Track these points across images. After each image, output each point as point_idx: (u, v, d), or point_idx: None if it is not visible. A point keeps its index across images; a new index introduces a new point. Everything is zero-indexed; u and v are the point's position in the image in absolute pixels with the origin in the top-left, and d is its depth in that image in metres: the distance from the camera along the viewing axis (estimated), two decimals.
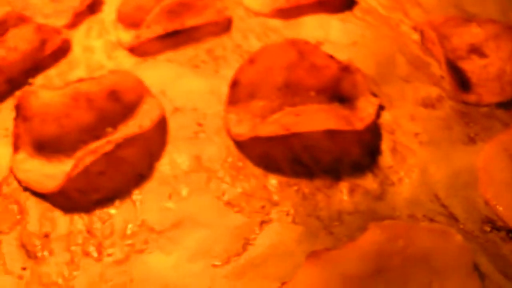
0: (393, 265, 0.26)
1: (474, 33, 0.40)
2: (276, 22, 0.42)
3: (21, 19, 0.41)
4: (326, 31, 0.41)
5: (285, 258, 0.27)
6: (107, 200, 0.30)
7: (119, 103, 0.34)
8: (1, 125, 0.35)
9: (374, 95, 0.34)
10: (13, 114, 0.33)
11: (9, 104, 0.37)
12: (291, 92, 0.34)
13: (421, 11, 0.44)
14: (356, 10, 0.44)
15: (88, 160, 0.30)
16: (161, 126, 0.33)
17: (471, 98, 0.35)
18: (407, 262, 0.26)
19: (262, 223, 0.28)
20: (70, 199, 0.30)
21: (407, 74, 0.37)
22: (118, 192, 0.30)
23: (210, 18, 0.42)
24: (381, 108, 0.34)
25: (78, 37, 0.42)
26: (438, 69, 0.37)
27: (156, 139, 0.33)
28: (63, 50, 0.41)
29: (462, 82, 0.36)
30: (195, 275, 0.26)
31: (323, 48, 0.38)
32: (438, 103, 0.35)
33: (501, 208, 0.28)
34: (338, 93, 0.34)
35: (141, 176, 0.31)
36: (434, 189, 0.30)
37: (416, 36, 0.40)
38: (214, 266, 0.26)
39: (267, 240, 0.27)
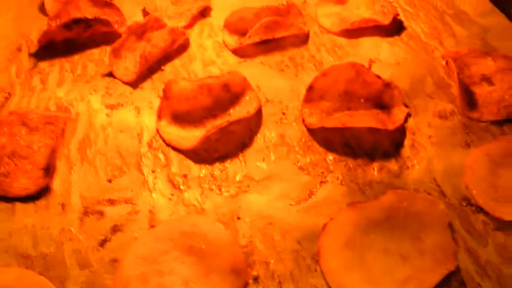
0: (398, 216, 0.39)
1: (488, 65, 0.51)
2: (342, 40, 0.57)
3: (157, 22, 0.57)
4: (378, 51, 0.55)
5: (333, 205, 0.41)
6: (222, 157, 0.46)
7: (229, 93, 0.49)
8: (146, 99, 0.51)
9: (405, 105, 0.49)
10: (153, 91, 0.49)
11: (149, 84, 0.52)
12: (348, 98, 0.49)
13: (454, 41, 0.56)
14: (404, 35, 0.57)
15: (212, 131, 0.46)
16: (259, 112, 0.49)
17: (475, 115, 0.49)
18: (407, 215, 0.39)
19: (321, 182, 0.43)
20: (198, 154, 0.46)
21: (432, 91, 0.50)
22: (229, 153, 0.46)
23: (293, 32, 0.57)
24: (408, 115, 0.49)
25: (194, 36, 0.57)
26: (456, 90, 0.51)
27: (255, 120, 0.49)
28: (184, 46, 0.56)
29: (471, 102, 0.48)
30: (278, 209, 0.42)
31: (374, 65, 0.53)
32: (450, 116, 0.48)
33: (475, 192, 0.42)
34: (380, 102, 0.49)
35: (244, 144, 0.47)
36: (434, 175, 0.43)
37: (443, 62, 0.55)
38: (290, 205, 0.42)
39: (324, 193, 0.42)
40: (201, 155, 0.45)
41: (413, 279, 0.37)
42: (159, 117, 0.48)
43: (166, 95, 0.48)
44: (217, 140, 0.46)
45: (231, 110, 0.47)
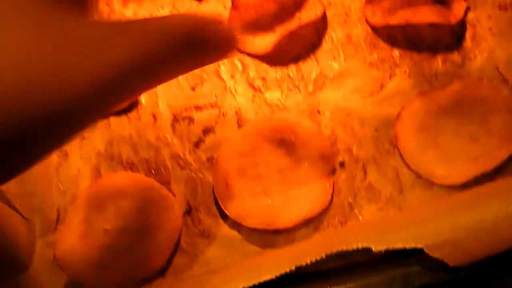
0: (466, 101, 0.43)
1: None
2: None
3: None
4: None
5: (404, 95, 0.45)
6: (295, 59, 0.49)
7: None
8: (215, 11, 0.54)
9: None
10: (219, 3, 0.51)
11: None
12: None
13: None
14: None
15: (284, 34, 0.48)
16: (324, 14, 0.52)
17: None
18: (473, 101, 0.43)
19: (391, 76, 0.47)
20: (272, 58, 0.50)
21: None
22: (301, 55, 0.50)
23: None
24: (468, 9, 0.51)
25: None
26: None
27: (321, 22, 0.52)
28: None
29: None
30: (354, 101, 0.45)
31: None
32: (510, 7, 0.48)
33: None
34: None
35: (313, 46, 0.50)
36: (496, 64, 0.45)
37: None
38: (364, 97, 0.46)
39: (393, 85, 0.46)
40: (275, 58, 0.48)
41: (483, 156, 0.41)
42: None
43: (234, 5, 0.50)
44: (287, 43, 0.49)
45: (298, 14, 0.50)
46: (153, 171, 0.44)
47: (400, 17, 0.48)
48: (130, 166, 0.45)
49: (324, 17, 0.50)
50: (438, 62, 0.46)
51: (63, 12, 0.21)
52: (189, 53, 0.24)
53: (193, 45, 0.24)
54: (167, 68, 0.23)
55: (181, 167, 0.44)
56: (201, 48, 0.24)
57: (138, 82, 0.22)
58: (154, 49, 0.22)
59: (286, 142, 0.42)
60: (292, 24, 0.48)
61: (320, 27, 0.50)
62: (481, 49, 0.47)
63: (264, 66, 0.47)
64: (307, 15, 0.49)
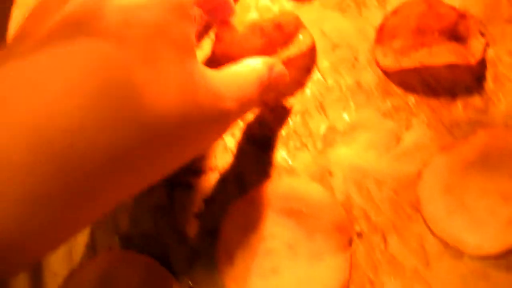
0: (493, 155, 0.39)
1: None
2: None
3: None
4: None
5: (423, 149, 0.40)
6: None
7: (282, 32, 0.47)
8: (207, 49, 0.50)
9: (482, 34, 0.47)
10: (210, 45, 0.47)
11: (208, 41, 0.51)
12: (421, 34, 0.46)
13: None
14: None
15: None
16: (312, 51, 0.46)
17: None
18: (502, 153, 0.39)
19: (407, 126, 0.42)
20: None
21: (509, 15, 0.46)
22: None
23: None
24: (487, 45, 0.47)
25: None
26: None
27: (308, 60, 0.46)
28: None
29: None
30: (369, 159, 0.41)
31: None
32: None
33: None
34: (455, 34, 0.47)
35: (300, 84, 0.46)
36: None
37: None
38: (380, 154, 0.42)
39: (411, 138, 0.41)
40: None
41: None
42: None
43: (218, 38, 0.46)
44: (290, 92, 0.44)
45: (286, 51, 0.45)
46: (150, 246, 0.40)
47: (414, 59, 0.44)
48: (127, 240, 0.40)
49: (312, 54, 0.45)
50: (459, 108, 0.42)
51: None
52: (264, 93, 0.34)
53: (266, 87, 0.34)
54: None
55: (181, 242, 0.39)
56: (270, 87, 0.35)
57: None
58: (249, 94, 0.32)
59: (296, 213, 0.38)
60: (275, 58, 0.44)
61: (308, 64, 0.46)
62: (505, 91, 0.42)
63: (267, 121, 0.43)
64: (293, 51, 0.45)
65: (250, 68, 0.33)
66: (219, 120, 0.29)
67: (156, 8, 0.26)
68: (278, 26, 0.47)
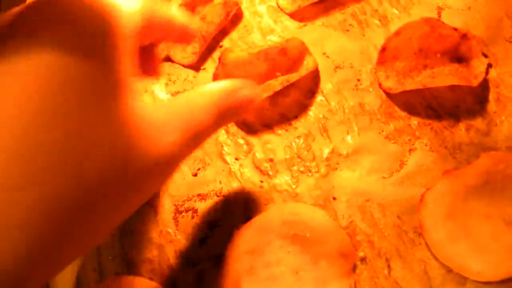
0: (496, 180, 0.39)
1: None
2: None
3: None
4: None
5: (427, 173, 0.41)
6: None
7: (286, 57, 0.48)
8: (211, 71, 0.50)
9: (484, 55, 0.47)
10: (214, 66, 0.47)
11: (211, 63, 0.49)
12: (423, 55, 0.47)
13: None
14: None
15: (265, 95, 0.44)
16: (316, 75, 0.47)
17: None
18: (505, 178, 0.39)
19: (410, 150, 0.43)
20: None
21: (511, 35, 0.48)
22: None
23: None
24: (489, 66, 0.47)
25: (245, 4, 0.54)
26: None
27: (312, 82, 0.47)
28: (238, 16, 0.53)
29: None
30: (373, 184, 0.42)
31: (443, 12, 0.50)
32: None
33: None
34: (457, 55, 0.47)
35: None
36: None
37: None
38: (384, 178, 0.42)
39: (414, 161, 0.42)
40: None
41: None
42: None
43: (222, 62, 0.46)
44: (273, 106, 0.45)
45: (288, 75, 0.46)
46: (157, 272, 0.40)
47: (417, 82, 0.44)
48: (133, 268, 0.41)
49: (315, 77, 0.46)
50: (461, 131, 0.42)
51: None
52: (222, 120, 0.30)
53: (224, 113, 0.30)
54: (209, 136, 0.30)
55: (187, 267, 0.40)
56: (230, 113, 0.31)
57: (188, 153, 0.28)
58: (199, 123, 0.28)
59: (300, 238, 0.38)
60: (277, 82, 0.45)
61: (312, 87, 0.46)
62: (508, 113, 0.43)
63: (270, 146, 0.43)
64: (297, 75, 0.46)
65: (205, 93, 0.28)
66: (160, 161, 0.24)
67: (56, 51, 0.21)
68: (283, 50, 0.47)
